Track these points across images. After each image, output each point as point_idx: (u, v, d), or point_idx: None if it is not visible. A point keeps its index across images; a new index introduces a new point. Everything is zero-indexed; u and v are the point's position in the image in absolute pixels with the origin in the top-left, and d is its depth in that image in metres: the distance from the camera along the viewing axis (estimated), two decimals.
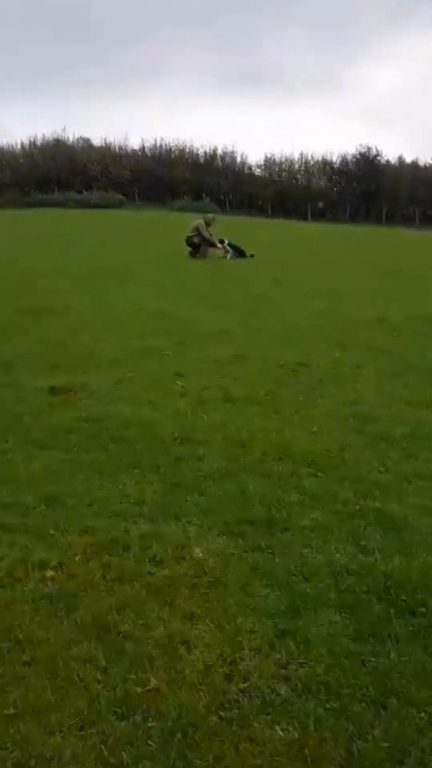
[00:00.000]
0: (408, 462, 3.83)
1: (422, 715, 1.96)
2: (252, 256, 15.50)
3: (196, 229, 15.11)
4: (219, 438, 4.05)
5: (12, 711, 1.92)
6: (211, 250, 15.22)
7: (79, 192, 40.87)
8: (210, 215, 16.35)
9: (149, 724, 1.89)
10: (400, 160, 49.95)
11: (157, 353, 6.10)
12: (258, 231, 25.76)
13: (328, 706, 1.99)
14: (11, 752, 1.78)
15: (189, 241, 15.20)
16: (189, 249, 15.18)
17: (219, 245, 15.27)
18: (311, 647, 2.23)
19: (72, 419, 4.28)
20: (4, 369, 5.47)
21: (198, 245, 15.06)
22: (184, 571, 2.64)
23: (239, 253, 15.50)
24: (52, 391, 4.85)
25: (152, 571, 2.64)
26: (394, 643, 2.28)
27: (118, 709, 1.93)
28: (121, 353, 6.06)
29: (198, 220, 15.43)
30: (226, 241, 15.43)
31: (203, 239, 15.06)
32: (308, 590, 2.55)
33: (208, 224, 15.28)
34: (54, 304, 8.52)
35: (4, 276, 11.09)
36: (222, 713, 1.93)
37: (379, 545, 2.90)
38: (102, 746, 1.81)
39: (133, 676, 2.06)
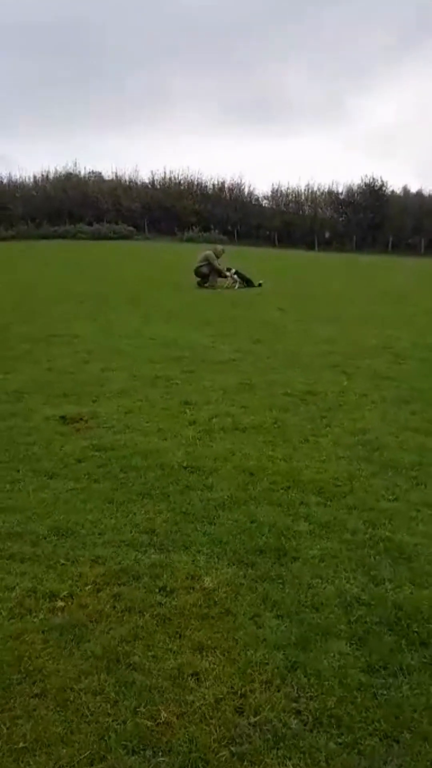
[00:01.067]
0: (416, 490, 3.82)
1: None
2: (260, 285, 15.63)
3: (206, 259, 15.30)
4: (228, 467, 4.06)
5: (22, 745, 1.91)
6: (219, 279, 15.37)
7: (90, 224, 41.52)
8: (219, 247, 16.57)
9: (159, 759, 1.87)
10: (405, 190, 50.59)
11: (166, 382, 6.14)
12: (265, 261, 26.01)
13: (339, 740, 1.97)
14: None
15: (198, 272, 15.38)
16: (198, 279, 15.34)
17: (227, 274, 15.43)
18: (322, 680, 2.21)
19: (82, 448, 4.30)
20: (15, 398, 5.51)
21: (206, 275, 15.23)
22: (194, 602, 2.63)
23: (247, 282, 15.65)
24: (63, 420, 4.88)
25: (162, 602, 2.63)
26: (406, 675, 2.25)
27: (128, 743, 1.92)
28: (130, 382, 6.10)
29: (207, 251, 15.63)
30: (233, 270, 15.58)
31: (212, 269, 15.23)
32: (319, 621, 2.53)
33: (217, 256, 15.48)
34: (64, 332, 8.62)
35: (14, 305, 11.23)
36: (233, 748, 1.92)
37: (390, 575, 2.88)
38: None
39: (144, 710, 2.05)
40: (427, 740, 1.97)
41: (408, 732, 2.00)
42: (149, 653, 2.31)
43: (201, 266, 15.33)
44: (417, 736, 1.99)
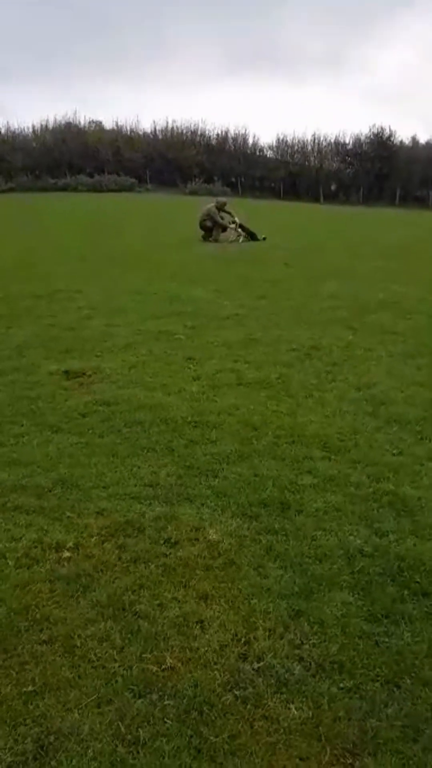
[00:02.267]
0: (421, 444, 3.82)
1: None
2: (264, 239, 15.40)
3: (208, 213, 15.04)
4: (232, 421, 4.06)
5: (31, 688, 1.96)
6: (223, 234, 15.14)
7: (91, 176, 40.75)
8: (222, 199, 16.26)
9: (165, 702, 1.92)
10: (414, 140, 49.30)
11: (169, 337, 6.10)
12: (270, 213, 25.58)
13: (341, 685, 2.01)
14: (31, 728, 1.82)
15: (202, 225, 15.14)
16: (202, 233, 15.11)
17: (231, 226, 15.18)
18: (325, 628, 2.25)
19: (86, 403, 4.30)
20: (18, 353, 5.50)
21: (210, 229, 14.99)
22: (199, 553, 2.66)
23: (251, 235, 15.40)
24: (66, 374, 4.87)
25: (167, 553, 2.66)
26: (408, 623, 2.29)
27: (134, 687, 1.97)
28: (133, 337, 6.07)
29: (210, 205, 15.34)
30: (237, 223, 15.32)
31: (216, 223, 14.99)
32: (322, 572, 2.56)
33: (219, 208, 15.19)
34: (66, 287, 8.54)
35: (15, 261, 11.11)
36: (237, 692, 1.96)
37: (393, 527, 2.90)
38: (119, 723, 1.84)
39: (149, 655, 2.09)
40: (427, 685, 2.01)
41: (409, 677, 2.05)
42: (155, 602, 2.35)
43: (205, 220, 15.09)
44: (417, 682, 2.03)
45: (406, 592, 2.46)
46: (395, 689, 2.00)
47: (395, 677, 2.04)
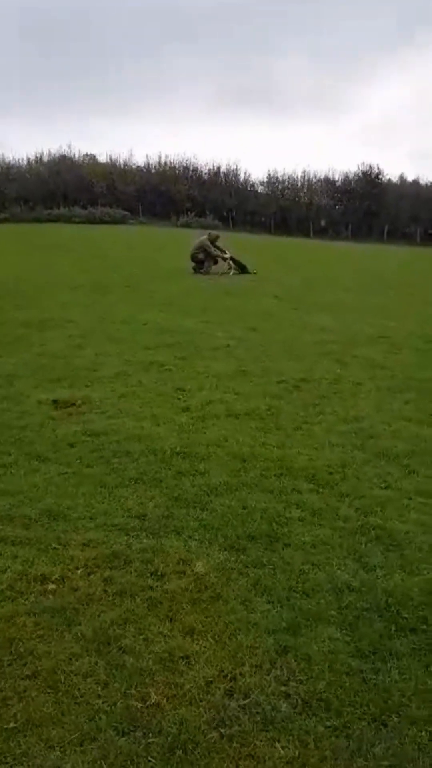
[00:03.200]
0: (409, 479, 3.84)
1: (423, 733, 1.96)
2: (255, 273, 15.57)
3: (201, 245, 15.22)
4: (221, 453, 4.06)
5: (12, 725, 1.92)
6: (215, 266, 15.30)
7: (84, 207, 41.20)
8: (214, 232, 16.51)
9: (150, 740, 1.88)
10: (402, 178, 50.43)
11: (159, 367, 6.12)
12: (261, 247, 25.92)
13: (328, 723, 1.98)
14: (11, 766, 1.78)
15: (193, 257, 15.30)
16: (193, 265, 15.27)
17: (225, 257, 15.34)
18: (312, 664, 2.23)
19: (74, 433, 4.29)
20: (7, 381, 5.49)
21: (202, 261, 15.16)
22: (185, 586, 2.64)
23: (242, 268, 15.58)
24: (55, 404, 4.87)
25: (153, 586, 2.64)
26: (396, 660, 2.28)
27: (118, 725, 1.93)
28: (123, 367, 6.08)
29: (202, 238, 15.55)
30: (229, 255, 15.50)
31: (208, 255, 15.16)
32: (309, 607, 2.55)
33: (212, 241, 15.40)
34: (57, 317, 8.57)
35: (6, 289, 11.14)
36: (222, 730, 1.93)
37: (381, 562, 2.90)
38: (102, 762, 1.80)
39: (134, 691, 2.06)
40: (414, 724, 1.99)
41: (396, 716, 2.02)
42: (140, 636, 2.32)
43: (196, 253, 15.26)
44: (405, 720, 2.01)
45: (393, 628, 2.45)
46: (382, 728, 1.98)
47: (382, 715, 2.02)
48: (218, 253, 15.33)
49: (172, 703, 2.02)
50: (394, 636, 2.40)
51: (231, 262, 15.44)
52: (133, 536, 3.03)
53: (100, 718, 1.95)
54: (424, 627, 2.46)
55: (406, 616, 2.52)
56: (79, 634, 2.31)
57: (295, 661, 2.24)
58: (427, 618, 2.50)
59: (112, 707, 1.99)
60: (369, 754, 1.88)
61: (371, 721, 2.01)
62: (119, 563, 2.79)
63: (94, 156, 48.24)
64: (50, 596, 2.54)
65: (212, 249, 15.22)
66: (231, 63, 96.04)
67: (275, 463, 3.94)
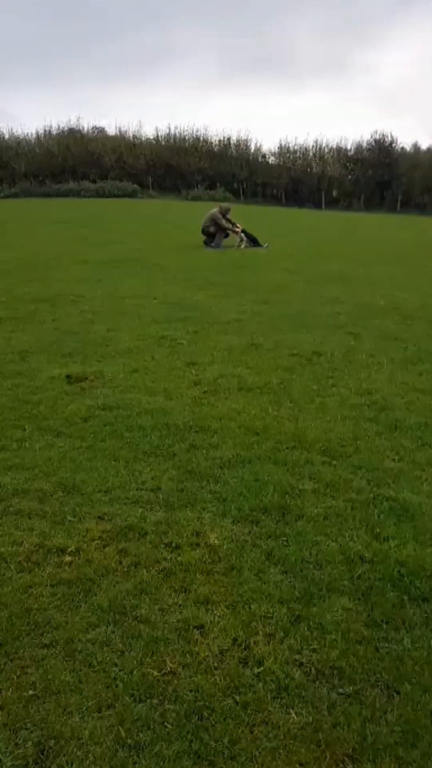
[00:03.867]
0: (422, 450, 3.83)
1: None
2: (267, 246, 15.42)
3: (212, 218, 15.07)
4: (233, 426, 4.07)
5: (31, 692, 1.96)
6: (225, 239, 15.16)
7: (94, 182, 40.86)
8: (225, 204, 16.31)
9: (166, 707, 1.92)
10: (416, 147, 49.38)
11: (171, 342, 6.12)
12: (272, 218, 25.63)
13: (341, 690, 2.01)
14: (31, 732, 1.83)
15: (204, 230, 15.17)
16: (204, 238, 15.15)
17: (236, 230, 15.20)
18: (325, 633, 2.25)
19: (88, 407, 4.31)
20: (21, 357, 5.51)
21: (213, 234, 15.03)
22: (199, 557, 2.67)
23: (254, 241, 15.44)
24: (68, 379, 4.89)
25: (168, 557, 2.67)
26: (408, 629, 2.29)
27: (135, 692, 1.97)
28: (135, 342, 6.08)
29: (213, 210, 15.38)
30: (241, 227, 15.35)
31: (219, 228, 15.02)
32: (322, 577, 2.57)
33: (223, 214, 15.23)
34: (69, 292, 8.56)
35: (18, 265, 11.14)
36: (237, 697, 1.96)
37: (393, 533, 2.91)
38: (120, 727, 1.84)
39: (150, 660, 2.10)
40: (427, 692, 2.02)
41: (409, 683, 2.05)
42: (155, 606, 2.36)
43: (207, 226, 15.12)
44: (417, 688, 2.03)
45: (406, 598, 2.46)
46: (395, 695, 2.00)
47: (395, 683, 2.05)
48: (229, 225, 15.18)
49: (187, 671, 2.06)
50: (406, 605, 2.42)
51: (243, 235, 15.29)
52: (147, 509, 3.05)
53: (117, 686, 1.99)
54: None
55: (418, 585, 2.53)
56: (95, 605, 2.35)
57: (308, 630, 2.26)
58: None
59: (129, 675, 2.03)
60: (382, 721, 1.91)
61: (384, 688, 2.03)
62: (134, 535, 2.82)
63: (104, 129, 47.67)
64: (66, 568, 2.58)
65: (223, 222, 15.06)
66: (237, 35, 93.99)
67: (288, 436, 3.94)
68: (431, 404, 4.62)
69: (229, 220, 15.28)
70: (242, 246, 15.14)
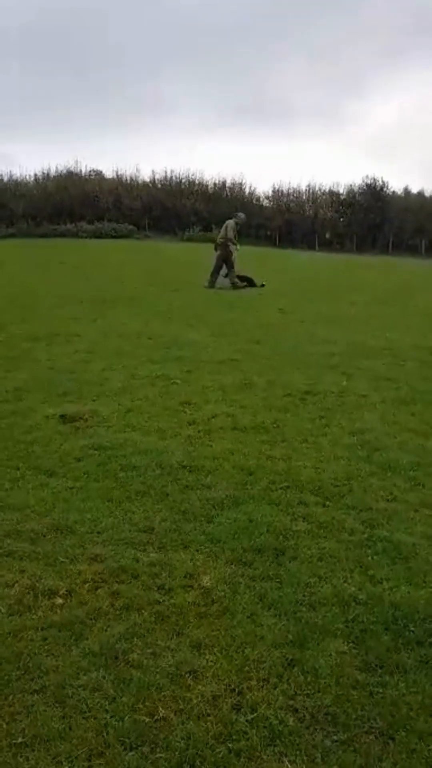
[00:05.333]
0: (415, 491, 3.84)
1: (431, 747, 1.95)
2: (263, 285, 15.63)
3: (225, 229, 15.43)
4: (227, 466, 4.07)
5: (20, 740, 1.93)
6: (221, 280, 15.40)
7: (91, 223, 41.51)
8: (241, 215, 16.73)
9: (157, 755, 1.89)
10: (407, 191, 50.57)
11: (165, 381, 6.15)
12: (267, 260, 26.00)
13: (336, 737, 1.99)
14: None
15: (218, 245, 15.46)
16: (208, 281, 15.36)
17: (235, 249, 15.44)
18: (319, 678, 2.23)
19: (82, 447, 4.31)
20: (15, 396, 5.53)
21: (224, 245, 15.29)
22: (193, 600, 2.65)
23: (249, 282, 15.64)
24: (63, 418, 4.90)
25: (161, 600, 2.65)
26: (403, 673, 2.27)
27: (126, 739, 1.94)
28: (130, 381, 6.12)
29: (229, 221, 15.71)
30: (237, 250, 15.53)
31: (225, 239, 15.30)
32: (316, 620, 2.55)
33: (238, 223, 15.62)
34: (64, 331, 8.63)
35: (15, 304, 11.24)
36: (230, 744, 1.93)
37: (387, 575, 2.90)
38: None
39: (141, 706, 2.07)
40: (422, 738, 1.99)
41: (404, 730, 2.02)
42: (148, 650, 2.33)
43: (222, 237, 15.41)
44: (413, 735, 2.00)
45: (400, 641, 2.44)
46: (390, 742, 1.98)
47: (390, 729, 2.02)
48: (232, 238, 15.38)
49: (179, 717, 2.03)
50: (401, 649, 2.40)
51: (236, 279, 15.48)
52: (140, 550, 3.04)
53: (107, 733, 1.95)
54: (431, 640, 2.45)
55: (413, 629, 2.52)
56: (86, 649, 2.32)
57: (302, 674, 2.24)
58: None
59: (120, 722, 2.00)
60: None
61: (379, 735, 2.00)
62: (126, 577, 2.80)
63: (101, 172, 48.64)
64: (58, 611, 2.55)
65: (232, 234, 15.30)
66: (232, 82, 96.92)
67: (281, 476, 3.95)
68: (424, 444, 4.64)
69: (236, 234, 15.52)
70: (238, 286, 15.29)
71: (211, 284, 15.16)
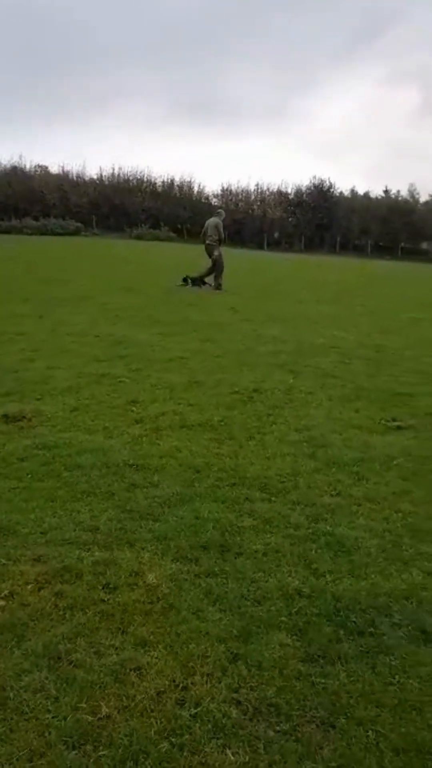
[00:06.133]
0: (358, 485, 3.93)
1: (369, 733, 2.01)
2: (209, 285, 15.67)
3: (216, 228, 15.38)
4: (174, 464, 4.07)
5: None
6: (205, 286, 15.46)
7: (36, 219, 40.77)
8: (221, 211, 16.75)
9: (100, 753, 1.88)
10: (353, 192, 51.60)
11: (112, 380, 6.10)
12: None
13: (278, 728, 2.02)
14: None
15: (210, 241, 15.40)
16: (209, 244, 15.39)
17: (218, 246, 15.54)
18: (262, 670, 2.26)
19: (25, 447, 4.24)
20: None
21: (218, 242, 15.32)
22: (138, 598, 2.64)
23: (194, 280, 15.67)
24: (5, 418, 4.80)
25: (105, 599, 2.63)
26: (344, 663, 2.33)
27: (68, 739, 1.92)
28: (76, 380, 6.04)
29: (213, 220, 15.62)
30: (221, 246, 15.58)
31: (205, 233, 15.32)
32: (260, 614, 2.58)
33: (221, 219, 15.64)
34: (8, 329, 8.45)
35: None
36: (173, 739, 1.94)
37: (330, 568, 2.96)
38: None
39: (85, 705, 2.05)
40: (361, 725, 2.04)
41: (344, 717, 2.07)
42: (91, 650, 2.31)
43: (212, 236, 15.40)
44: (352, 722, 2.05)
45: (342, 632, 2.50)
46: (330, 729, 2.02)
47: (331, 718, 2.07)
48: (221, 240, 15.41)
49: (123, 715, 2.02)
50: (342, 639, 2.46)
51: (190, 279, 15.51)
52: (84, 550, 3.01)
53: (49, 733, 1.93)
54: (372, 630, 2.52)
55: (354, 619, 2.58)
56: (28, 650, 2.29)
57: (246, 668, 2.26)
58: (374, 621, 2.57)
59: (63, 722, 1.98)
60: (317, 757, 1.92)
61: (320, 724, 2.05)
62: (70, 577, 2.77)
63: (47, 167, 47.86)
64: (0, 612, 2.50)
65: (221, 230, 15.32)
66: (181, 80, 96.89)
67: (228, 473, 3.98)
68: (367, 440, 4.76)
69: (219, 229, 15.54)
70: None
71: (218, 286, 15.16)
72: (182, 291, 14.66)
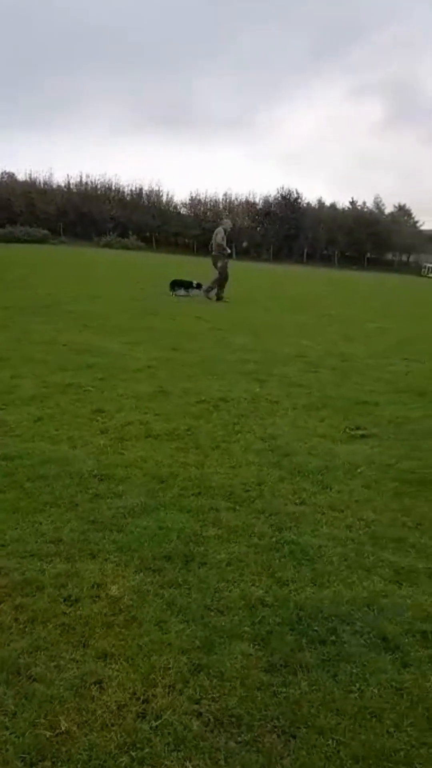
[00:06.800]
0: (322, 494, 3.96)
1: (330, 742, 2.02)
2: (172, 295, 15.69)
3: (213, 239, 15.36)
4: (139, 474, 4.05)
5: None
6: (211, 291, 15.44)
7: (2, 227, 40.32)
8: (226, 220, 16.73)
9: None
10: (320, 202, 52.30)
11: (77, 389, 6.05)
12: (186, 268, 26.12)
13: (239, 738, 2.01)
14: None
15: (216, 251, 15.34)
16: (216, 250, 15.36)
17: (225, 252, 15.50)
18: (224, 681, 2.25)
19: None
20: None
21: (222, 250, 15.29)
22: (100, 610, 2.62)
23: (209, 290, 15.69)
24: None
25: (67, 611, 2.60)
26: (305, 672, 2.34)
27: (26, 755, 1.89)
28: (41, 389, 5.97)
29: (223, 227, 15.58)
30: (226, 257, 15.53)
31: (221, 249, 15.26)
32: (223, 624, 2.58)
33: (226, 230, 15.63)
34: None
35: None
36: (133, 753, 1.92)
37: (293, 576, 2.97)
38: None
39: (44, 720, 2.02)
40: (322, 734, 2.05)
41: (305, 727, 2.08)
42: (51, 663, 2.28)
43: (219, 245, 15.33)
44: (313, 731, 2.06)
45: (304, 641, 2.51)
46: (292, 739, 2.03)
47: (292, 727, 2.07)
48: (222, 244, 15.38)
49: (82, 729, 2.00)
50: (304, 648, 2.47)
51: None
52: (47, 562, 2.97)
53: (6, 750, 1.90)
54: (333, 638, 2.54)
55: (316, 628, 2.59)
56: None
57: (208, 679, 2.26)
58: (336, 629, 2.59)
59: (20, 738, 1.94)
60: (278, 766, 1.92)
61: (281, 733, 2.05)
62: (31, 590, 2.73)
63: (12, 174, 47.42)
64: None
65: (219, 238, 15.29)
66: (151, 85, 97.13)
67: (193, 482, 3.97)
68: (331, 448, 4.80)
69: (224, 239, 15.41)
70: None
71: (219, 297, 15.14)
72: (149, 301, 14.62)
